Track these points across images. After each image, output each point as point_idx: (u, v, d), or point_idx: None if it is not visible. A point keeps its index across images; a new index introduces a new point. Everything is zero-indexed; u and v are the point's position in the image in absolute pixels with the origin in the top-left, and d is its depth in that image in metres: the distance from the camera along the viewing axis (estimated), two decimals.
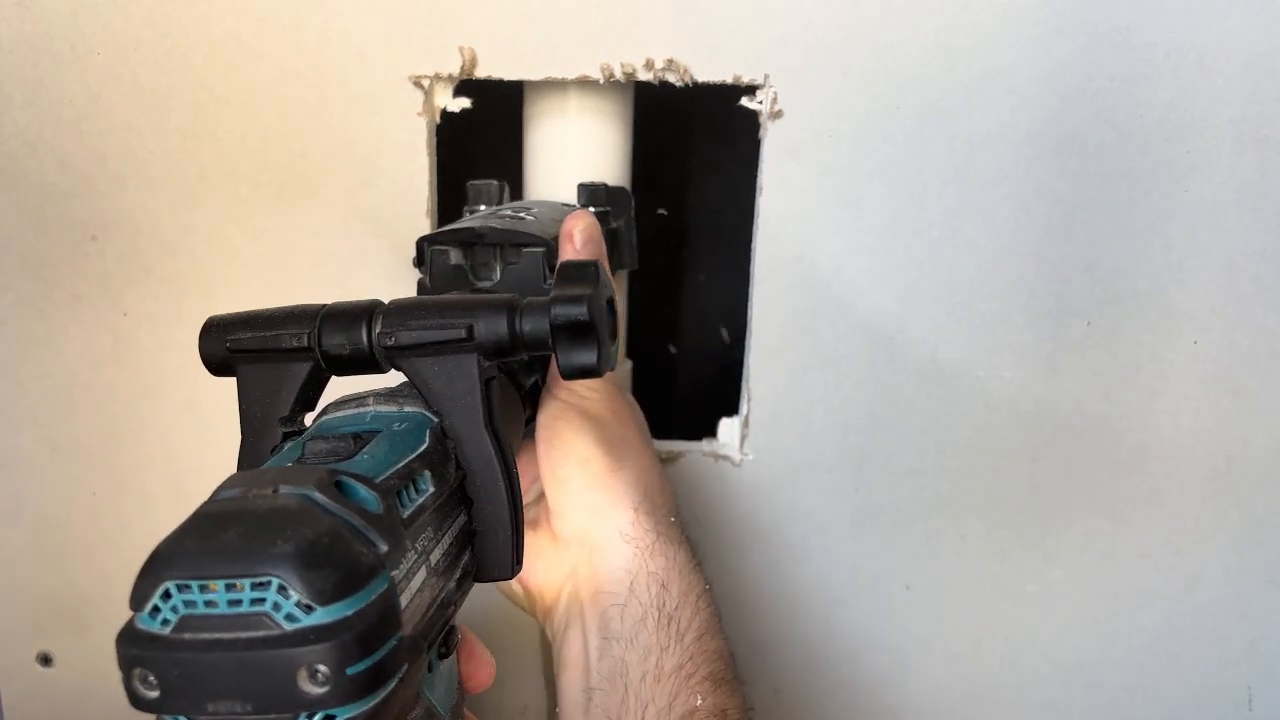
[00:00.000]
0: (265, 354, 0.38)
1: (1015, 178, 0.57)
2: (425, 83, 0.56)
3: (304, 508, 0.28)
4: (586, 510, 0.47)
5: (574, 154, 0.61)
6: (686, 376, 0.80)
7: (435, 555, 0.34)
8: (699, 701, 0.44)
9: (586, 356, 0.37)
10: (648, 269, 0.62)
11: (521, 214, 0.52)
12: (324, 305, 0.38)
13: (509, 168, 0.63)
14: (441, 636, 0.36)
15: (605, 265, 0.49)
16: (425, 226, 0.58)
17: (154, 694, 0.27)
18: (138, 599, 0.27)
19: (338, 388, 0.40)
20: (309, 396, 0.39)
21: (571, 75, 0.56)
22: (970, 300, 0.59)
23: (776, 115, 0.56)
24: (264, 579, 0.26)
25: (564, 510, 0.48)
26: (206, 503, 0.29)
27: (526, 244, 0.49)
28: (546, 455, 0.47)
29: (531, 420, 0.49)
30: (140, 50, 0.56)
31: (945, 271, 0.58)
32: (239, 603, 0.26)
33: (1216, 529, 0.62)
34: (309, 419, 0.39)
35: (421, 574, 0.33)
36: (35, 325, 0.60)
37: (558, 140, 0.61)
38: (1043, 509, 0.62)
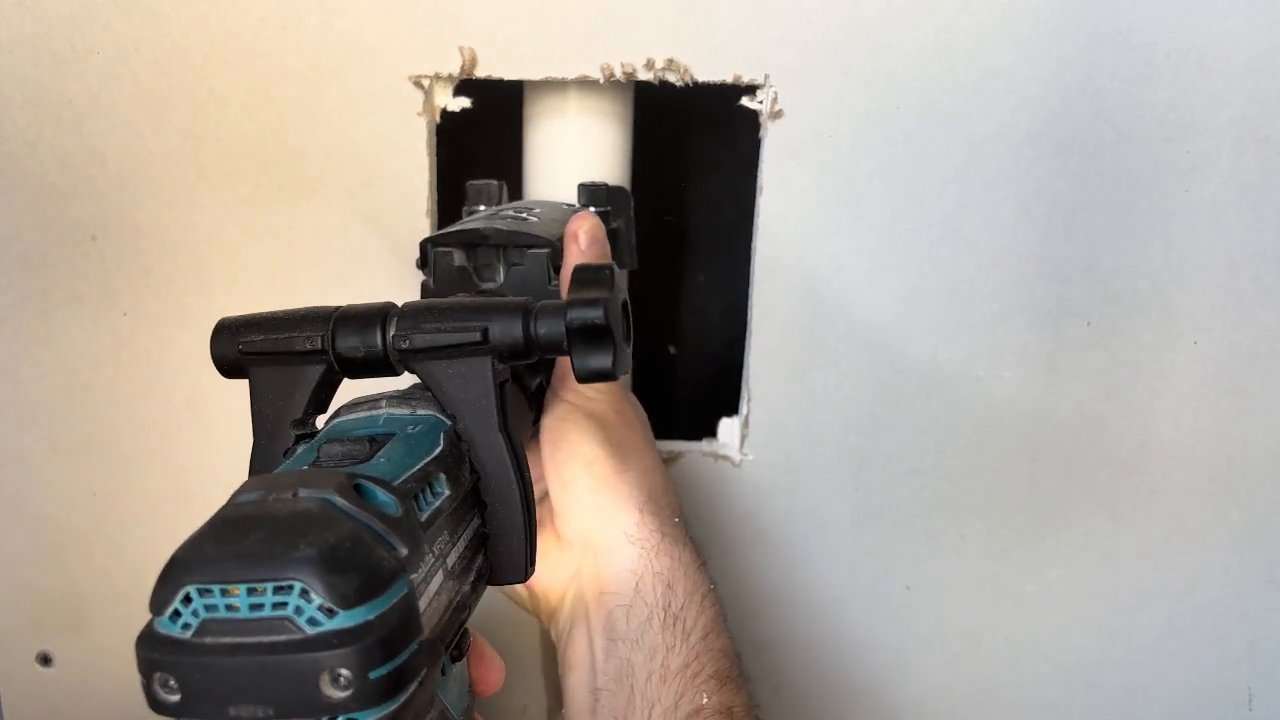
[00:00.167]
0: (278, 356, 0.38)
1: (1015, 178, 0.57)
2: (425, 83, 0.56)
3: (325, 511, 0.28)
4: (592, 512, 0.47)
5: (574, 154, 0.61)
6: (686, 376, 0.80)
7: (451, 559, 0.34)
8: (705, 700, 0.44)
9: (602, 360, 0.37)
10: (647, 269, 0.62)
11: (524, 215, 0.52)
12: (337, 308, 0.38)
13: (509, 168, 0.63)
14: (456, 640, 0.36)
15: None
16: (425, 226, 0.58)
17: (174, 698, 0.27)
18: (158, 603, 0.27)
19: (347, 391, 0.40)
20: (321, 399, 0.39)
21: (571, 75, 0.56)
22: (970, 300, 0.59)
23: (776, 115, 0.56)
24: (286, 583, 0.26)
25: (569, 512, 0.48)
26: (225, 507, 0.29)
27: (531, 245, 0.49)
28: (552, 457, 0.47)
29: (536, 422, 0.49)
30: (140, 50, 0.56)
31: (945, 271, 0.58)
32: (261, 607, 0.26)
33: (1216, 529, 0.62)
34: (320, 421, 0.39)
35: (439, 577, 0.33)
36: (35, 325, 0.60)
37: (558, 140, 0.61)
38: (1043, 509, 0.62)
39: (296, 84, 0.56)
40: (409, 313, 0.38)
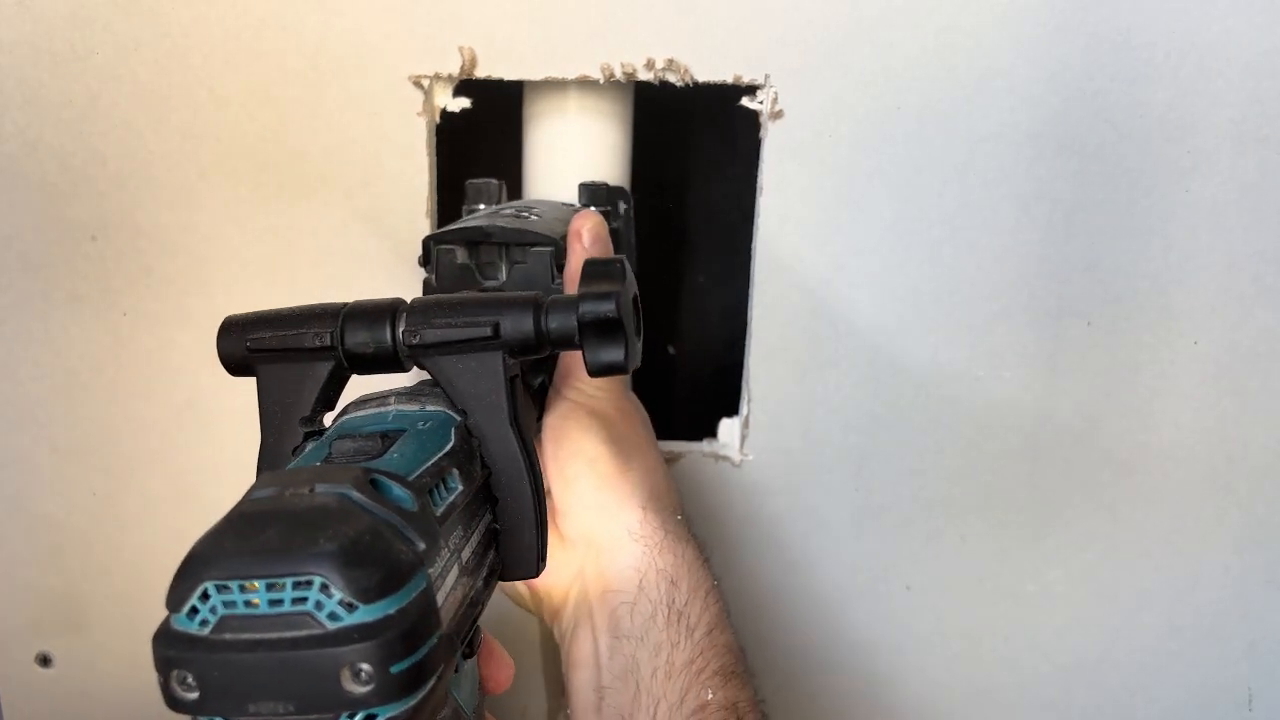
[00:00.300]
0: (286, 353, 0.38)
1: (1015, 178, 0.57)
2: (425, 83, 0.56)
3: (343, 506, 0.28)
4: (594, 510, 0.48)
5: (574, 154, 0.61)
6: (686, 376, 0.80)
7: (465, 554, 0.34)
8: (710, 696, 0.44)
9: (614, 353, 0.37)
10: (647, 269, 0.62)
11: (525, 213, 0.52)
12: (345, 304, 0.38)
13: (509, 168, 0.63)
14: (469, 636, 0.36)
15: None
16: (425, 226, 0.58)
17: (193, 695, 0.27)
18: (175, 600, 0.27)
19: (354, 388, 0.40)
20: (330, 396, 0.39)
21: (571, 75, 0.56)
22: (970, 300, 0.59)
23: (777, 115, 0.56)
24: (306, 578, 0.26)
25: (571, 510, 0.48)
26: (242, 503, 0.29)
27: (534, 243, 0.49)
28: (554, 455, 0.47)
29: (539, 420, 0.49)
30: (140, 50, 0.56)
31: (945, 271, 0.58)
32: (280, 602, 0.26)
33: (1216, 529, 0.62)
34: (328, 419, 0.39)
35: (454, 572, 0.33)
36: (35, 325, 0.60)
37: (557, 140, 0.61)
38: (1043, 509, 0.62)
39: (296, 84, 0.56)
40: (418, 308, 0.38)
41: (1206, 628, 0.63)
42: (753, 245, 0.59)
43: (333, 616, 0.26)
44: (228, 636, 0.26)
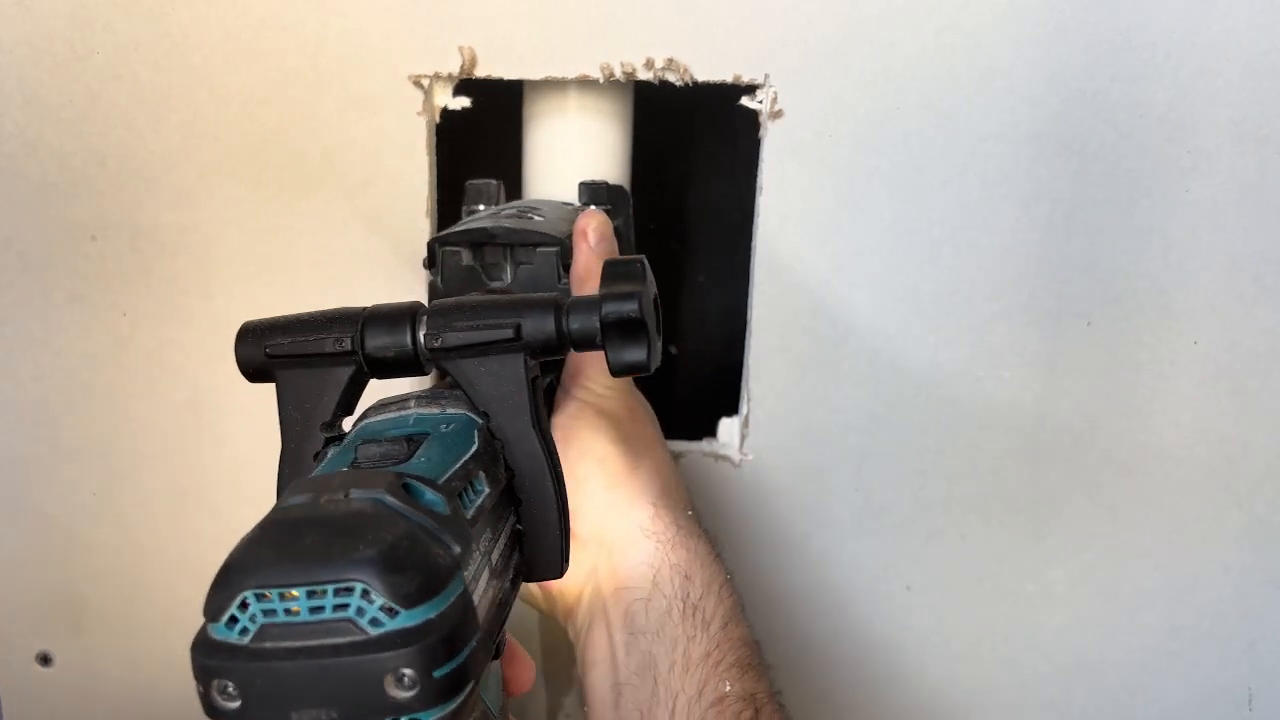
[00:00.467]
0: (307, 359, 0.38)
1: (1015, 178, 0.57)
2: (425, 82, 0.56)
3: (379, 511, 0.28)
4: (605, 508, 0.48)
5: (574, 153, 0.61)
6: (686, 376, 0.80)
7: (494, 556, 0.34)
8: (728, 688, 0.44)
9: (637, 353, 0.37)
10: None
11: (529, 214, 0.52)
12: (363, 308, 0.38)
13: (509, 168, 0.63)
14: (497, 638, 0.36)
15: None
16: (425, 226, 0.58)
17: (234, 704, 0.26)
18: (213, 609, 0.27)
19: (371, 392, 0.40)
20: (349, 401, 0.38)
21: (571, 75, 0.56)
22: (970, 300, 0.59)
23: (776, 115, 0.56)
24: (348, 584, 0.26)
25: (582, 509, 0.48)
26: (277, 510, 0.29)
27: (540, 244, 0.49)
28: (564, 454, 0.47)
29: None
30: (140, 50, 0.56)
31: (945, 271, 0.58)
32: (321, 609, 0.26)
33: (1216, 529, 0.62)
34: (347, 424, 0.39)
35: (485, 575, 0.32)
36: (35, 325, 0.60)
37: (557, 140, 0.61)
38: (1043, 509, 0.62)
39: (296, 84, 0.56)
40: (439, 311, 0.37)
41: (1206, 628, 0.63)
42: (753, 245, 0.59)
43: (374, 622, 0.26)
44: (268, 645, 0.26)
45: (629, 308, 0.36)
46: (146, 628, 0.64)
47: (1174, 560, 0.62)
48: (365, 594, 0.26)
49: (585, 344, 0.37)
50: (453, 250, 0.50)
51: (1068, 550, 0.62)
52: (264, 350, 0.38)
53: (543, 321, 0.36)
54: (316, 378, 0.38)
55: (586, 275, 0.50)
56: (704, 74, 0.56)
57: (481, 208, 0.58)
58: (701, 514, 0.62)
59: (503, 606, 0.35)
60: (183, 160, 0.58)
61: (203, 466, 0.62)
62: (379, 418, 0.38)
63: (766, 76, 0.56)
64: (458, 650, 0.27)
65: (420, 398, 0.38)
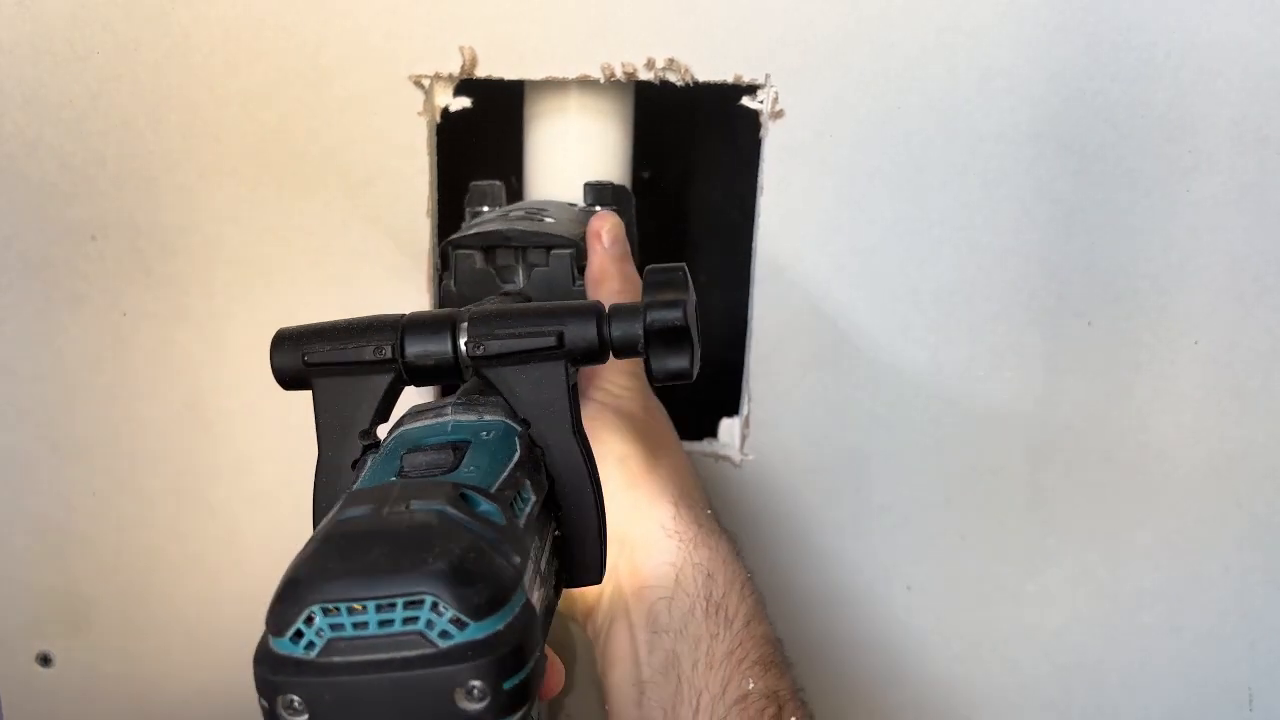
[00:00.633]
0: (346, 366, 0.37)
1: (1015, 178, 0.57)
2: (425, 82, 0.56)
3: (444, 523, 0.28)
4: (626, 508, 0.48)
5: (574, 154, 0.61)
6: None
7: (543, 563, 0.34)
8: (751, 685, 0.44)
9: (680, 361, 0.37)
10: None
11: (538, 215, 0.52)
12: (400, 315, 0.38)
13: (509, 168, 0.63)
14: None
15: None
16: (425, 226, 0.58)
17: (302, 719, 0.26)
18: (278, 624, 0.27)
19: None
20: (386, 408, 0.38)
21: (572, 75, 0.56)
22: (970, 300, 0.59)
23: (777, 115, 0.56)
24: (417, 597, 0.26)
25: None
26: (338, 522, 0.29)
27: (555, 246, 0.49)
28: None
29: None
30: (140, 50, 0.56)
31: (945, 271, 0.58)
32: (390, 623, 0.26)
33: (1216, 529, 0.62)
34: (382, 431, 0.39)
35: (537, 583, 0.32)
36: (35, 325, 0.60)
37: (558, 140, 0.61)
38: (1043, 508, 0.62)
39: (297, 84, 0.56)
40: (479, 318, 0.37)
41: (1206, 628, 0.63)
42: (753, 245, 0.59)
43: (444, 635, 0.26)
44: (336, 659, 0.26)
45: (674, 315, 0.36)
46: (146, 628, 0.64)
47: (1174, 560, 0.62)
48: (435, 607, 0.26)
49: (627, 351, 0.37)
50: (466, 253, 0.50)
51: (1068, 550, 0.62)
52: (301, 358, 0.37)
53: (585, 329, 0.36)
54: (355, 385, 0.37)
55: (602, 277, 0.50)
56: (705, 74, 0.56)
57: (486, 209, 0.58)
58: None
59: (550, 613, 0.35)
60: (183, 160, 0.58)
61: (203, 466, 0.62)
62: (416, 424, 0.37)
63: (767, 77, 0.56)
64: (525, 661, 0.27)
65: (457, 404, 0.38)
